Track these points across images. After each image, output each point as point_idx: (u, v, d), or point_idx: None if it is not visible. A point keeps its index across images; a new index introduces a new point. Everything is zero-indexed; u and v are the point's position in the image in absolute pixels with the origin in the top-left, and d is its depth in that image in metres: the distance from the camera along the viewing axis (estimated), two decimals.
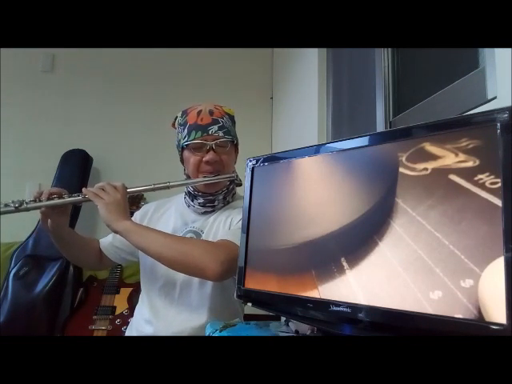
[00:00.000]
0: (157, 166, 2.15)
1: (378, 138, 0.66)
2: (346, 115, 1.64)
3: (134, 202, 1.97)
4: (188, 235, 1.10)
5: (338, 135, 1.66)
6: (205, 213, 1.12)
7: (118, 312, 1.77)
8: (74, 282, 1.95)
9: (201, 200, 1.10)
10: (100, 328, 1.71)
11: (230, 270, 0.93)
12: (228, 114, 1.11)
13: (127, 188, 1.04)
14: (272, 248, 0.77)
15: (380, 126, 1.30)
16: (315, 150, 0.75)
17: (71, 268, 1.94)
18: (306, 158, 0.76)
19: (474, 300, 0.48)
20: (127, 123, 2.34)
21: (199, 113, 1.06)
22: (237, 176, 1.16)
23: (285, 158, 0.81)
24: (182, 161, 1.13)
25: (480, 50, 0.88)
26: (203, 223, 1.10)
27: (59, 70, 2.31)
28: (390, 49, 1.33)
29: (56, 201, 1.02)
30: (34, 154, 2.19)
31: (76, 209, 1.99)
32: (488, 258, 0.47)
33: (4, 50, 2.16)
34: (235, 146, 1.13)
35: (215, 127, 1.05)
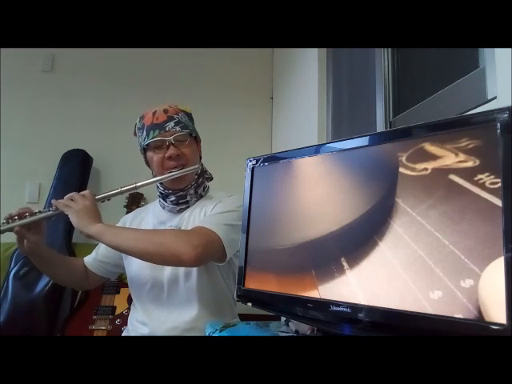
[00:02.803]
0: None
1: (378, 138, 0.66)
2: (345, 115, 1.64)
3: (135, 201, 1.97)
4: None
5: (337, 135, 1.66)
6: (180, 210, 1.13)
7: (118, 312, 1.77)
8: None
9: (173, 198, 1.12)
10: (100, 328, 1.71)
11: (206, 253, 0.95)
12: (184, 111, 1.13)
13: (95, 195, 1.06)
14: (272, 248, 0.77)
15: (380, 126, 1.30)
16: (315, 150, 0.75)
17: None
18: (306, 158, 0.76)
19: (474, 300, 0.48)
20: (127, 123, 2.31)
21: (154, 113, 1.09)
22: (206, 171, 1.18)
23: (285, 158, 0.81)
24: (147, 163, 1.15)
25: (480, 49, 0.88)
26: (180, 220, 1.12)
27: (59, 70, 2.31)
28: (389, 49, 1.33)
29: (29, 219, 1.01)
30: (34, 154, 2.19)
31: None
32: (488, 258, 0.47)
33: (4, 50, 2.16)
34: (195, 139, 1.14)
35: (171, 123, 1.07)
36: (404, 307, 0.54)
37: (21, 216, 1.02)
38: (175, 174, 1.07)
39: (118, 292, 1.84)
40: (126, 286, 1.86)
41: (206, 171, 1.19)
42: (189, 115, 1.14)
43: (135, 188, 1.08)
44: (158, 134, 1.07)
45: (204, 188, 1.16)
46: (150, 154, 1.10)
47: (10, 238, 1.99)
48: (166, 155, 1.07)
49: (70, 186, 1.97)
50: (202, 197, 1.15)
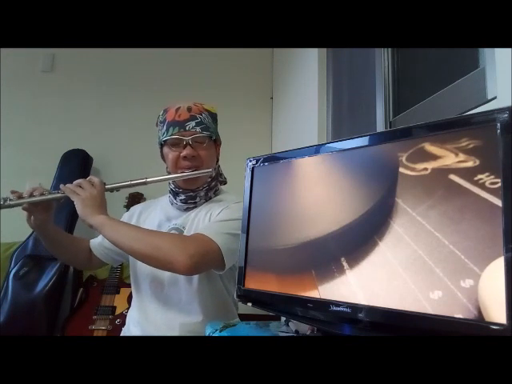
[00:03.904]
0: (157, 166, 2.15)
1: (378, 138, 0.66)
2: (345, 115, 1.64)
3: (134, 201, 1.97)
4: (171, 232, 1.11)
5: (337, 135, 1.66)
6: (187, 209, 1.13)
7: (118, 312, 1.77)
8: (73, 282, 1.95)
9: (182, 197, 1.11)
10: (100, 328, 1.71)
11: (201, 263, 0.94)
12: (208, 111, 1.11)
13: (105, 184, 1.06)
14: (272, 248, 0.77)
15: (380, 126, 1.30)
16: (315, 150, 0.75)
17: (71, 268, 1.94)
18: (306, 158, 0.76)
19: (474, 300, 0.48)
20: (127, 123, 2.34)
21: (177, 109, 1.08)
22: (221, 174, 1.17)
23: (285, 158, 0.81)
24: (162, 158, 1.15)
25: (480, 49, 0.88)
26: (185, 220, 1.11)
27: (59, 70, 2.31)
28: (389, 49, 1.33)
29: (37, 198, 1.04)
30: (34, 154, 2.19)
31: (75, 211, 1.98)
32: (488, 257, 0.47)
33: (4, 50, 2.16)
34: (215, 142, 1.13)
35: (192, 123, 1.06)
36: (404, 307, 0.54)
37: (31, 195, 1.04)
38: (187, 175, 1.06)
39: (118, 292, 1.84)
40: (126, 285, 1.87)
41: (221, 174, 1.18)
42: (213, 116, 1.13)
43: (145, 183, 1.07)
44: (178, 132, 1.06)
45: (215, 191, 1.15)
46: (166, 149, 1.09)
47: (10, 237, 2.01)
48: (181, 154, 1.06)
49: None
50: (210, 198, 1.14)
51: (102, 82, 2.34)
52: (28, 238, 1.99)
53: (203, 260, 0.94)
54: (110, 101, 2.33)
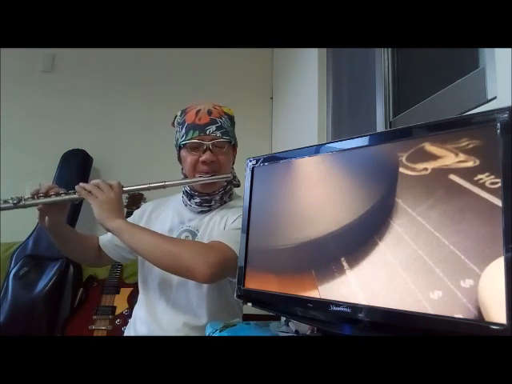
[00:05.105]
0: (157, 166, 2.15)
1: (378, 138, 0.66)
2: (346, 115, 1.64)
3: (134, 201, 1.97)
4: (184, 234, 1.10)
5: (337, 135, 1.66)
6: (201, 212, 1.12)
7: (118, 312, 1.77)
8: (73, 282, 1.95)
9: (197, 200, 1.11)
10: (100, 328, 1.71)
11: (220, 272, 0.93)
12: (227, 114, 1.10)
13: (123, 187, 1.05)
14: (272, 248, 0.77)
15: (380, 126, 1.30)
16: (315, 150, 0.75)
17: (71, 268, 1.94)
18: (306, 158, 0.76)
19: (474, 300, 0.48)
20: (127, 123, 2.34)
21: (198, 112, 1.06)
22: (235, 177, 1.17)
23: (285, 158, 0.81)
24: (179, 160, 1.14)
25: (480, 49, 0.88)
26: (199, 222, 1.11)
27: (59, 70, 2.31)
28: (389, 49, 1.33)
29: (53, 198, 1.02)
30: (34, 154, 2.19)
31: (76, 209, 1.99)
32: (488, 258, 0.47)
33: (4, 50, 2.16)
34: (233, 146, 1.13)
35: (213, 127, 1.05)
36: (404, 307, 0.54)
37: (46, 194, 1.02)
38: (205, 179, 1.05)
39: (118, 292, 1.85)
40: (126, 285, 1.87)
41: (235, 177, 1.17)
42: (231, 118, 1.12)
43: (163, 187, 1.05)
44: (198, 136, 1.04)
45: (230, 195, 1.15)
46: (184, 152, 1.08)
47: (10, 237, 2.01)
48: (200, 159, 1.05)
49: (69, 186, 1.97)
50: (225, 202, 1.13)
51: (101, 81, 2.34)
52: (28, 238, 2.00)
53: (222, 269, 0.93)
54: (109, 101, 2.33)
